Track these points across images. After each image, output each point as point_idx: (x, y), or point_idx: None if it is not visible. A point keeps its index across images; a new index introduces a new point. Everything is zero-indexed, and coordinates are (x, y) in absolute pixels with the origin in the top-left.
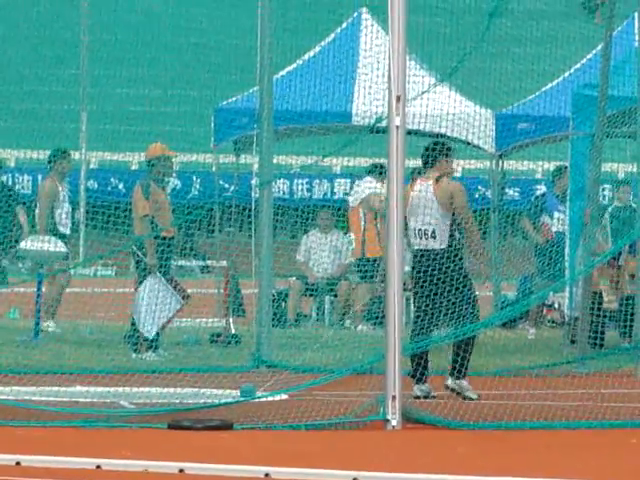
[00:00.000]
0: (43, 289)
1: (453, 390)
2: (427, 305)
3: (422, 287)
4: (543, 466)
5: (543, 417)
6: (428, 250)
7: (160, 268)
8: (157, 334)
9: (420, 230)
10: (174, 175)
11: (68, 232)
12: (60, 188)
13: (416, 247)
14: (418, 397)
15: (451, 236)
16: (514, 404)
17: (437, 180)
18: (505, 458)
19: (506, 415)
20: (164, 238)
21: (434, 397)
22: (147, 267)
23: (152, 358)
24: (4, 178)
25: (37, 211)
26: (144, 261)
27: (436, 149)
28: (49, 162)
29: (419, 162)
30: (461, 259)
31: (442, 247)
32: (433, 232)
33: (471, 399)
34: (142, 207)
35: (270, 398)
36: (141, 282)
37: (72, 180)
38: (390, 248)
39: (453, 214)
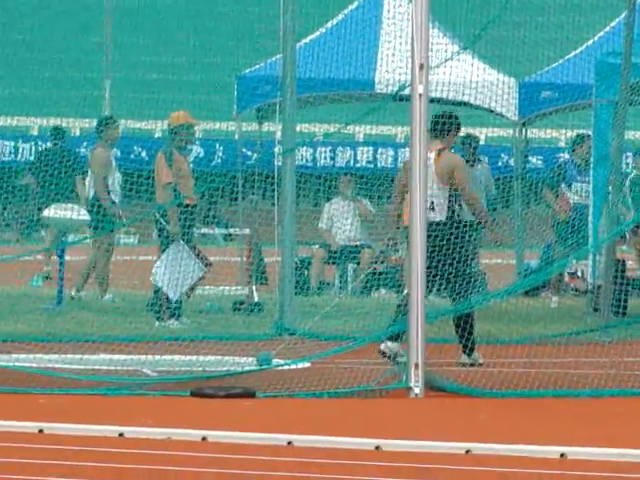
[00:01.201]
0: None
1: (472, 365)
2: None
3: (430, 259)
4: (566, 434)
5: (566, 385)
6: (433, 222)
7: (183, 236)
8: (180, 302)
9: (430, 202)
10: (197, 143)
11: (118, 200)
12: (111, 156)
13: None
14: (465, 365)
15: (450, 209)
16: (537, 372)
17: (439, 153)
18: (528, 426)
19: (529, 383)
20: (187, 206)
21: (481, 364)
22: (170, 235)
23: (175, 326)
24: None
25: (88, 180)
26: (167, 229)
27: (448, 121)
28: (98, 130)
29: None
30: (460, 232)
31: (440, 219)
32: (432, 204)
33: (480, 364)
34: (165, 175)
35: (293, 366)
36: (164, 250)
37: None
38: (414, 216)
39: (452, 187)
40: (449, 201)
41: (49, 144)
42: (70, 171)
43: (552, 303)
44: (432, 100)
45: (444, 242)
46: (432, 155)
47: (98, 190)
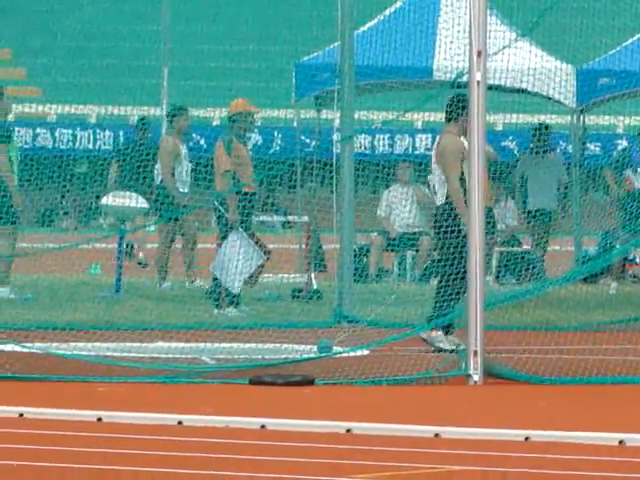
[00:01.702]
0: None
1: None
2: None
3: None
4: (624, 421)
5: (625, 372)
6: (435, 207)
7: (241, 224)
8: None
9: (433, 186)
10: (256, 131)
11: (187, 190)
12: (180, 145)
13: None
14: (445, 350)
15: (447, 193)
16: (595, 359)
17: (441, 136)
18: (587, 413)
19: (587, 370)
20: (246, 193)
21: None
22: (229, 222)
23: (234, 314)
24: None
25: (158, 168)
26: (226, 216)
27: (453, 103)
28: (169, 120)
29: (500, 117)
30: (457, 216)
31: (439, 203)
32: (434, 187)
33: (446, 351)
34: (224, 163)
35: (352, 354)
36: (223, 237)
37: (154, 136)
38: (472, 203)
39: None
40: (445, 184)
41: (135, 135)
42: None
43: (611, 290)
44: (490, 87)
45: (442, 225)
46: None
47: (165, 179)
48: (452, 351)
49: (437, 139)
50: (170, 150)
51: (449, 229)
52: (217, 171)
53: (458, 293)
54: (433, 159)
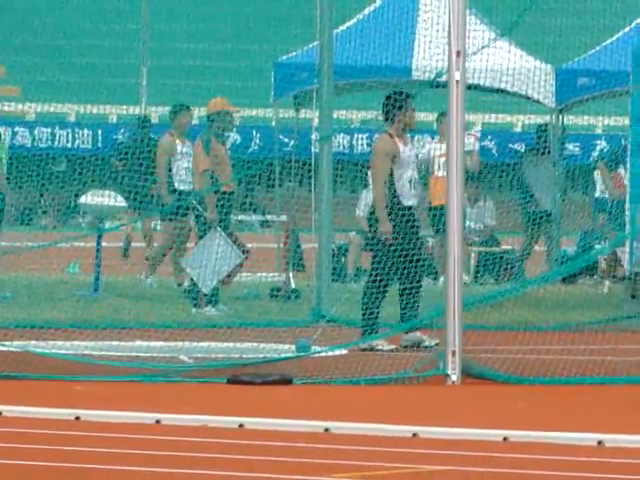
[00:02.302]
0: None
1: (409, 346)
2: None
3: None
4: (603, 421)
5: (603, 372)
6: (371, 208)
7: (220, 223)
8: (217, 288)
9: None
10: (234, 130)
11: (186, 188)
12: (179, 143)
13: None
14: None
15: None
16: (574, 359)
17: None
18: (565, 413)
19: (566, 370)
20: (224, 193)
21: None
22: (207, 222)
23: (212, 312)
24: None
25: (156, 167)
26: (204, 216)
27: (389, 103)
28: (170, 117)
29: (478, 117)
30: (394, 217)
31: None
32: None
33: (430, 347)
34: (202, 162)
35: (330, 353)
36: (201, 237)
37: (130, 135)
38: (451, 201)
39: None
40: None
41: (130, 132)
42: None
43: (605, 288)
44: (469, 87)
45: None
46: None
47: (158, 177)
48: (430, 347)
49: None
50: (166, 148)
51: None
52: (195, 170)
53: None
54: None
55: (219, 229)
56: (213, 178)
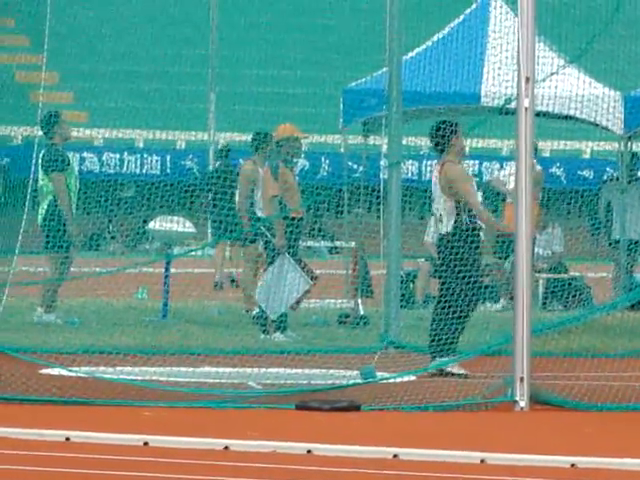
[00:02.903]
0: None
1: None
2: (445, 290)
3: (437, 271)
4: None
5: None
6: (441, 234)
7: (289, 249)
8: (285, 314)
9: (435, 215)
10: (303, 156)
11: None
12: (261, 171)
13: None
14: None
15: (456, 220)
16: None
17: (442, 165)
18: (633, 439)
19: (634, 397)
20: (293, 219)
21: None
22: (276, 248)
23: (280, 339)
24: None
25: (237, 195)
26: (273, 242)
27: (442, 132)
28: (253, 146)
29: (547, 144)
30: (468, 243)
31: (447, 231)
32: (441, 216)
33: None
34: (271, 188)
35: (398, 379)
36: (270, 263)
37: (200, 161)
38: (519, 228)
39: (457, 198)
40: (456, 213)
41: (218, 163)
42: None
43: None
44: (538, 114)
45: (452, 253)
46: (437, 168)
47: (239, 205)
48: (465, 376)
49: (437, 169)
50: (248, 176)
51: (456, 257)
52: (264, 196)
53: (464, 320)
54: (438, 188)
55: (287, 256)
56: (282, 204)
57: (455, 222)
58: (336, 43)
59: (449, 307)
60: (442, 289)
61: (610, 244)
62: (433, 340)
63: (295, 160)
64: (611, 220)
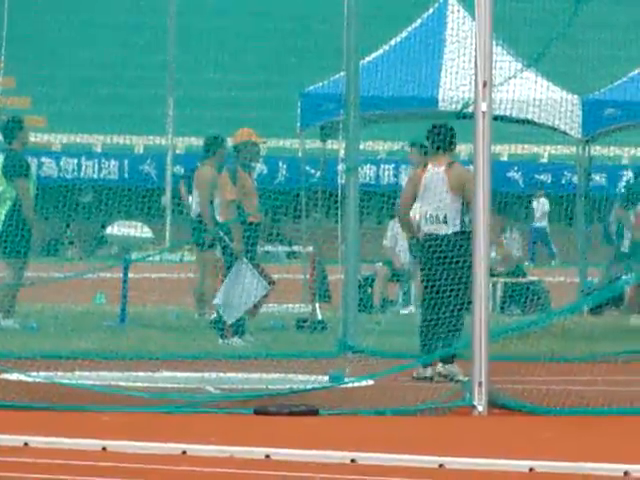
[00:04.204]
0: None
1: (445, 376)
2: (434, 290)
3: (430, 272)
4: (630, 452)
5: (629, 403)
6: (439, 235)
7: (247, 254)
8: (243, 319)
9: (432, 215)
10: (260, 160)
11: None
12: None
13: (426, 232)
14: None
15: (462, 221)
16: (600, 390)
17: (449, 165)
18: (592, 444)
19: (593, 401)
20: (250, 223)
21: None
22: (234, 252)
23: (238, 344)
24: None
25: (197, 199)
26: (231, 247)
27: (450, 133)
28: (206, 149)
29: (505, 148)
30: (469, 244)
31: (455, 230)
32: (445, 217)
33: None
34: (229, 192)
35: (356, 384)
36: (228, 268)
37: (158, 165)
38: (477, 232)
39: (464, 199)
40: (461, 213)
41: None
42: None
43: (631, 321)
44: (495, 118)
45: (454, 253)
46: (441, 169)
47: (202, 210)
48: (431, 378)
49: (444, 170)
50: (207, 179)
51: (458, 259)
52: (222, 201)
53: (461, 324)
54: (445, 189)
55: (245, 260)
56: (239, 209)
57: (461, 223)
58: (294, 47)
59: (444, 306)
60: (433, 289)
61: (617, 256)
62: (426, 344)
63: (253, 164)
64: (621, 234)
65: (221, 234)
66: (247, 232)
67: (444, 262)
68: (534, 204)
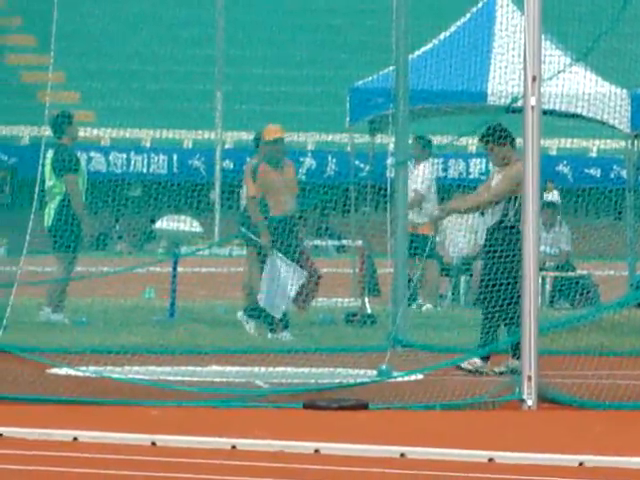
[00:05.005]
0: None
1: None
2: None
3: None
4: None
5: None
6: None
7: (281, 247)
8: (286, 313)
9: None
10: (309, 155)
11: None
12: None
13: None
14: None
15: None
16: None
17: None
18: None
19: None
20: (280, 219)
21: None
22: (263, 248)
23: (287, 338)
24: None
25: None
26: (257, 242)
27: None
28: (256, 144)
29: (554, 142)
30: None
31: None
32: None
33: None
34: (250, 189)
35: (406, 378)
36: (262, 261)
37: (207, 160)
38: (526, 226)
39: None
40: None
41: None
42: None
43: None
44: (544, 112)
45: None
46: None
47: (247, 204)
48: (501, 373)
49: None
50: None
51: (502, 252)
52: (245, 197)
53: (512, 318)
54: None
55: (275, 252)
56: (262, 204)
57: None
58: (343, 42)
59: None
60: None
61: None
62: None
63: (279, 162)
64: None
65: (244, 231)
66: (278, 226)
67: (489, 254)
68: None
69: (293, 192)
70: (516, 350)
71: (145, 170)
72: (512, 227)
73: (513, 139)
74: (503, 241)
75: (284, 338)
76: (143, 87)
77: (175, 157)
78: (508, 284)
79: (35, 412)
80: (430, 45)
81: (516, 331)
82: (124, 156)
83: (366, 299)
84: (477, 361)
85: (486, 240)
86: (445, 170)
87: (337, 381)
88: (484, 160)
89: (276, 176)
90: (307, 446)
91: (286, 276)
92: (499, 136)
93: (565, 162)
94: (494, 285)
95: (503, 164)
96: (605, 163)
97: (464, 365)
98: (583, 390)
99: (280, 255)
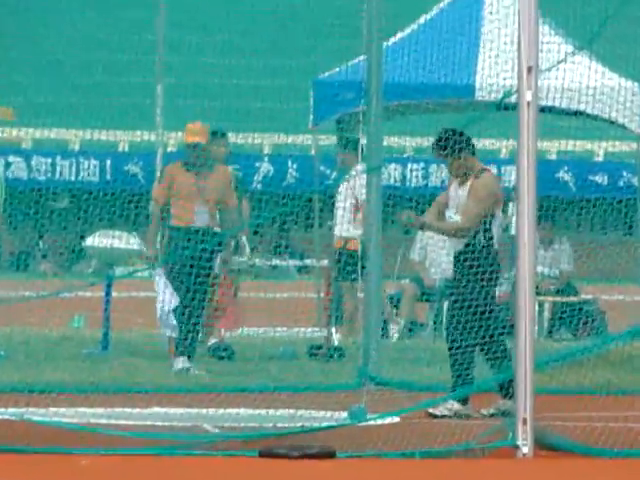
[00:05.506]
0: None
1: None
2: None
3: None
4: None
5: None
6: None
7: (177, 266)
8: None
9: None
10: (266, 160)
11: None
12: None
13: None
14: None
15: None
16: None
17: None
18: None
19: None
20: (178, 228)
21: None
22: (149, 262)
23: (180, 367)
24: None
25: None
26: (146, 255)
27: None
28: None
29: (553, 144)
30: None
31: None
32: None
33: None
34: (154, 192)
35: (379, 421)
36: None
37: (146, 165)
38: (521, 241)
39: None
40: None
41: None
42: None
43: None
44: (542, 109)
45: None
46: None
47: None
48: (490, 415)
49: (476, 179)
50: None
51: (475, 277)
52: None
53: (495, 352)
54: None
55: (159, 269)
56: (162, 212)
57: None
58: (305, 26)
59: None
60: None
61: None
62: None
63: (198, 165)
64: None
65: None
66: (173, 238)
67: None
68: None
69: (210, 202)
70: (508, 389)
71: (73, 177)
72: (483, 248)
73: (473, 146)
74: (471, 267)
75: (176, 366)
76: (71, 80)
77: (108, 162)
78: (482, 314)
79: None
80: (408, 30)
81: (508, 366)
82: (49, 161)
83: (333, 329)
84: (454, 404)
85: (455, 266)
86: (426, 177)
87: (299, 425)
88: None
89: (187, 180)
90: None
91: (162, 297)
92: (455, 149)
93: (566, 168)
94: (464, 319)
95: (464, 176)
96: (613, 169)
97: (438, 411)
98: (587, 435)
99: (160, 272)
